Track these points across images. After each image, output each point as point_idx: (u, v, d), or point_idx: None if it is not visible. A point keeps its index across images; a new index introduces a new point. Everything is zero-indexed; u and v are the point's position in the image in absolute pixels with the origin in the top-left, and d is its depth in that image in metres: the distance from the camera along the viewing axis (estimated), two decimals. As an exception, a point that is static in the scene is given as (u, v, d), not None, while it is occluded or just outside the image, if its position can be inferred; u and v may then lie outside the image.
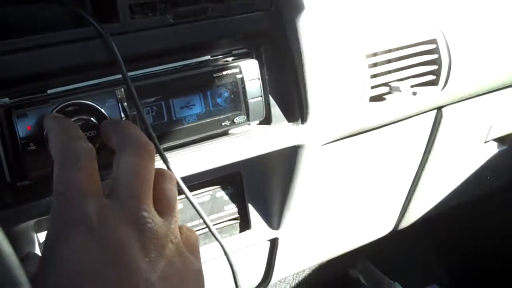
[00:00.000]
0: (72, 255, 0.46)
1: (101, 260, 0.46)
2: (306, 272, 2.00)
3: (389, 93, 1.19)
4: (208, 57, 0.94)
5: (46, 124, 0.71)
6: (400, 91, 1.17)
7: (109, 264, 0.46)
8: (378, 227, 1.55)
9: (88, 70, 0.83)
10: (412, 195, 1.50)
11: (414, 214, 1.57)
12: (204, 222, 0.89)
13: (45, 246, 0.50)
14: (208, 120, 0.91)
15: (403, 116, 1.25)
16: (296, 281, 1.98)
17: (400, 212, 1.54)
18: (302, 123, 1.00)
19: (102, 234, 0.48)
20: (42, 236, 0.92)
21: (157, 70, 0.89)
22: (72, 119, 0.79)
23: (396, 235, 1.64)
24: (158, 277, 0.48)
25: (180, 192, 0.98)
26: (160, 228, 0.53)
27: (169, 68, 0.90)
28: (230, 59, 0.96)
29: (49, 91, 0.81)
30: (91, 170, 0.55)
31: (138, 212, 0.52)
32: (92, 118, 0.81)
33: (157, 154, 0.84)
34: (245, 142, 0.96)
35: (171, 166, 0.83)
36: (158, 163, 0.87)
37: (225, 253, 0.92)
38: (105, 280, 0.45)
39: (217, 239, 0.90)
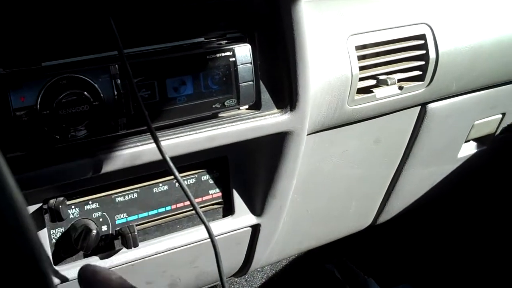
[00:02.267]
0: None
1: None
2: (283, 263, 2.01)
3: (376, 86, 1.20)
4: (202, 39, 0.94)
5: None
6: (387, 85, 1.18)
7: None
8: (357, 220, 1.56)
9: (84, 44, 0.83)
10: (392, 189, 1.52)
11: (393, 209, 1.59)
12: (192, 204, 0.89)
13: None
14: (199, 101, 0.91)
15: (389, 110, 1.26)
16: (273, 272, 1.98)
17: (380, 206, 1.55)
18: (291, 110, 1.01)
19: None
20: (31, 208, 0.92)
21: (151, 49, 0.89)
22: (65, 93, 0.79)
23: (373, 230, 1.65)
24: None
25: (167, 173, 0.99)
26: None
27: (163, 47, 0.90)
28: (223, 42, 0.96)
29: (43, 64, 0.81)
30: None
31: None
32: (85, 93, 0.81)
33: (148, 133, 0.84)
34: (235, 125, 0.96)
35: (161, 145, 0.83)
36: (149, 142, 0.88)
37: (210, 236, 0.93)
38: None
39: (203, 222, 0.91)
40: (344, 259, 2.06)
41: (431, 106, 1.36)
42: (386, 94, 1.20)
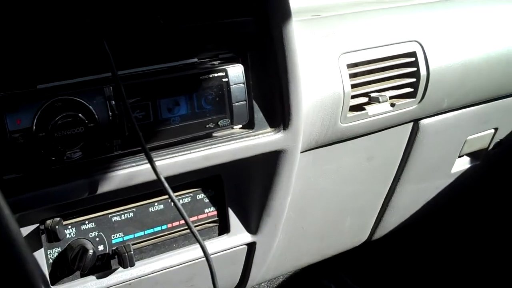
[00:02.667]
0: None
1: None
2: (280, 279, 2.01)
3: (368, 103, 1.21)
4: (195, 59, 0.96)
5: None
6: (379, 102, 1.20)
7: None
8: (352, 236, 1.57)
9: (78, 66, 0.84)
10: (387, 205, 1.53)
11: (388, 224, 1.59)
12: (186, 223, 0.90)
13: None
14: (193, 121, 0.93)
15: (381, 127, 1.27)
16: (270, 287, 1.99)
17: (375, 222, 1.56)
18: (284, 128, 1.02)
19: None
20: (24, 230, 0.92)
21: (145, 70, 0.91)
22: (60, 115, 0.80)
23: (369, 245, 1.66)
24: None
25: (163, 192, 1.00)
26: None
27: (157, 68, 0.92)
28: (216, 62, 0.97)
29: (38, 86, 0.82)
30: None
31: None
32: (80, 115, 0.82)
33: (143, 153, 0.86)
34: (228, 145, 0.97)
35: (155, 165, 0.84)
36: (143, 163, 0.89)
37: (206, 255, 0.94)
38: None
39: (198, 241, 0.92)
40: (341, 274, 2.06)
41: (423, 122, 1.37)
42: (378, 111, 1.22)
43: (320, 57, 1.13)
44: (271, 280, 2.00)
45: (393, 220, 1.60)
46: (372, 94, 1.21)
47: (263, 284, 1.98)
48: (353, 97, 1.18)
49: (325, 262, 1.61)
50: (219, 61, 0.98)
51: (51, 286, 0.97)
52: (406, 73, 1.26)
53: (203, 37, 0.94)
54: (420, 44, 1.27)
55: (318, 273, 2.05)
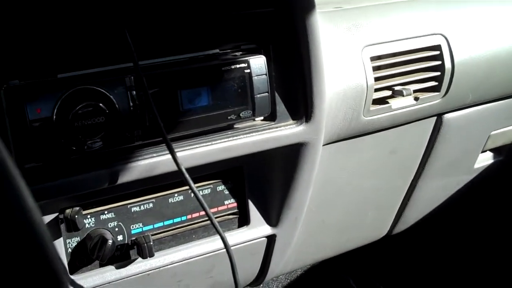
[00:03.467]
0: None
1: None
2: (299, 272, 2.01)
3: (391, 96, 1.20)
4: (217, 50, 0.95)
5: None
6: (403, 96, 1.18)
7: None
8: (372, 231, 1.56)
9: (99, 56, 0.84)
10: (408, 200, 1.51)
11: (409, 219, 1.58)
12: (207, 214, 0.89)
13: None
14: (214, 113, 0.92)
15: (404, 121, 1.26)
16: (288, 281, 1.98)
17: (395, 217, 1.55)
18: (306, 121, 1.01)
19: None
20: (47, 218, 0.93)
21: (167, 61, 0.90)
22: (81, 105, 0.80)
23: (390, 240, 1.65)
24: None
25: (183, 183, 1.00)
26: None
27: (178, 59, 0.91)
28: (238, 53, 0.97)
29: (59, 76, 0.82)
30: None
31: None
32: (100, 104, 0.82)
33: (163, 144, 0.85)
34: (250, 137, 0.97)
35: (176, 156, 0.83)
36: (164, 153, 0.89)
37: (226, 247, 0.93)
38: None
39: (219, 233, 0.91)
40: (360, 268, 2.05)
41: (447, 116, 1.36)
42: (401, 105, 1.20)
43: (343, 49, 1.12)
44: (289, 273, 2.00)
45: (413, 215, 1.58)
46: (396, 88, 1.20)
47: (281, 276, 1.98)
48: (376, 90, 1.16)
49: (344, 256, 1.60)
50: (241, 52, 0.97)
51: (70, 275, 0.97)
52: (430, 66, 1.24)
53: (226, 27, 0.94)
54: (445, 37, 1.25)
55: (337, 267, 2.04)
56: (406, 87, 1.20)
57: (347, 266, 2.06)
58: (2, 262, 0.33)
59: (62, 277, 0.38)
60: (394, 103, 1.19)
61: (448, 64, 1.24)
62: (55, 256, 0.37)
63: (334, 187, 1.31)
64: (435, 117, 1.35)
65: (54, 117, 0.79)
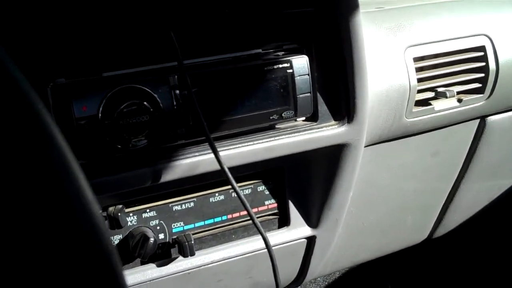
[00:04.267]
0: None
1: None
2: (336, 275, 1.99)
3: (434, 98, 1.18)
4: (260, 50, 0.95)
5: None
6: (446, 97, 1.17)
7: None
8: (413, 234, 1.54)
9: (144, 55, 0.85)
10: (449, 203, 1.49)
11: (450, 223, 1.56)
12: (249, 214, 0.90)
13: None
14: (257, 112, 0.92)
15: (447, 123, 1.24)
16: (326, 283, 1.97)
17: (436, 220, 1.53)
18: (348, 122, 1.00)
19: None
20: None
21: (210, 60, 0.90)
22: (126, 103, 0.81)
23: (430, 243, 1.62)
24: None
25: (223, 183, 1.00)
26: None
27: (222, 58, 0.91)
28: (281, 53, 0.96)
29: (104, 74, 0.83)
30: None
31: None
32: (145, 103, 0.82)
33: (206, 143, 0.85)
34: (292, 137, 0.96)
35: (219, 156, 0.84)
36: (207, 152, 0.89)
37: (268, 248, 0.93)
38: None
39: (261, 233, 0.91)
40: (399, 272, 2.03)
41: (491, 119, 1.33)
42: (444, 106, 1.19)
43: (385, 50, 1.11)
44: (327, 275, 1.99)
45: (455, 218, 1.56)
46: (439, 89, 1.18)
47: (319, 279, 1.97)
48: (419, 91, 1.15)
49: (383, 259, 1.58)
50: (283, 52, 0.97)
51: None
52: (474, 67, 1.22)
53: (268, 27, 0.94)
54: (490, 38, 1.23)
55: (375, 270, 2.02)
56: (450, 88, 1.18)
57: (386, 270, 2.04)
58: (71, 255, 0.34)
59: (121, 270, 0.38)
60: (437, 104, 1.18)
61: (492, 65, 1.22)
62: (114, 249, 0.38)
63: (375, 189, 1.29)
64: (479, 119, 1.33)
65: (100, 115, 0.80)
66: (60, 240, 0.33)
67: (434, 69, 1.19)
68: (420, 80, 1.15)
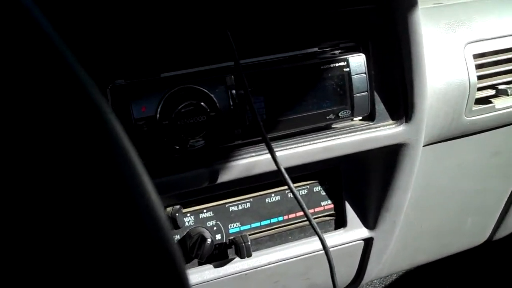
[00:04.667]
0: None
1: None
2: (393, 277, 1.96)
3: (495, 96, 1.15)
4: (316, 49, 0.94)
5: None
6: (507, 95, 1.13)
7: None
8: (472, 236, 1.50)
9: (200, 55, 0.85)
10: (510, 203, 1.45)
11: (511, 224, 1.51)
12: (306, 215, 0.89)
13: None
14: (313, 112, 0.91)
15: (509, 121, 1.21)
16: (383, 285, 1.94)
17: (497, 222, 1.49)
18: (406, 121, 0.98)
19: None
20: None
21: (266, 60, 0.90)
22: (183, 104, 0.81)
23: (491, 246, 1.58)
24: None
25: (279, 183, 0.99)
26: None
27: (278, 57, 0.91)
28: (337, 52, 0.95)
29: (162, 75, 0.83)
30: None
31: None
32: (202, 103, 0.82)
33: (263, 143, 0.85)
34: (349, 137, 0.95)
35: (276, 156, 0.83)
36: (263, 153, 0.89)
37: (325, 249, 0.92)
38: None
39: (318, 234, 0.90)
40: (458, 276, 1.99)
41: (554, 116, 1.29)
42: (506, 104, 1.15)
43: (444, 47, 1.09)
44: (383, 278, 1.96)
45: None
46: (500, 86, 1.15)
47: (375, 281, 1.94)
48: (479, 89, 1.12)
49: (442, 262, 1.55)
50: (339, 51, 0.96)
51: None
52: (537, 64, 1.19)
53: (325, 25, 0.93)
54: (554, 33, 1.19)
55: (433, 272, 1.98)
56: (511, 86, 1.15)
57: (445, 273, 2.00)
58: (136, 256, 0.34)
59: (185, 271, 0.38)
60: (498, 102, 1.15)
61: (556, 61, 1.18)
62: (177, 250, 0.37)
63: (433, 190, 1.27)
64: (542, 117, 1.29)
65: (158, 115, 0.80)
66: (126, 241, 0.33)
67: (494, 66, 1.16)
68: (480, 78, 1.12)
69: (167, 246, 0.35)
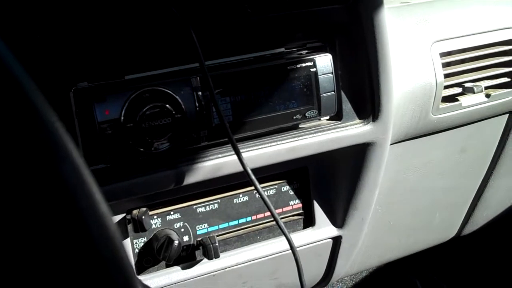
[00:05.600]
0: None
1: None
2: (364, 274, 1.97)
3: (462, 94, 1.16)
4: (283, 49, 0.93)
5: None
6: (474, 93, 1.14)
7: None
8: (441, 232, 1.52)
9: (165, 57, 0.84)
10: (478, 200, 1.46)
11: (479, 220, 1.53)
12: (273, 215, 0.88)
13: None
14: (280, 112, 0.91)
15: (475, 119, 1.22)
16: (353, 282, 1.95)
17: (465, 217, 1.50)
18: (373, 120, 0.98)
19: None
20: (114, 218, 0.93)
21: (232, 61, 0.89)
22: (148, 106, 0.80)
23: (458, 241, 1.60)
24: None
25: (247, 184, 0.99)
26: None
27: (243, 58, 0.90)
28: (304, 52, 0.95)
29: (126, 77, 0.82)
30: None
31: None
32: (167, 105, 0.81)
33: (229, 145, 0.84)
34: (316, 137, 0.95)
35: (242, 157, 0.82)
36: (230, 154, 0.88)
37: (292, 248, 0.92)
38: None
39: (284, 234, 0.90)
40: (427, 270, 2.00)
41: (520, 113, 1.30)
42: (472, 102, 1.16)
43: (411, 45, 1.09)
44: (354, 275, 1.97)
45: (483, 215, 1.53)
46: (466, 84, 1.16)
47: (346, 278, 1.95)
48: (445, 87, 1.13)
49: (411, 257, 1.56)
50: (306, 51, 0.96)
51: (137, 276, 0.97)
52: (502, 62, 1.19)
53: (291, 25, 0.92)
54: (518, 31, 1.20)
55: (403, 268, 2.00)
56: (477, 83, 1.16)
57: (414, 268, 2.01)
58: (78, 265, 0.33)
59: (134, 280, 0.37)
60: (465, 100, 1.15)
61: (521, 59, 1.19)
62: (127, 259, 0.37)
63: (401, 188, 1.27)
64: (507, 115, 1.31)
65: (122, 118, 0.79)
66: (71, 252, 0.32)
67: (461, 64, 1.17)
68: (447, 76, 1.13)
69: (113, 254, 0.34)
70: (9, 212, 0.30)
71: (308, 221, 1.11)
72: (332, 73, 0.94)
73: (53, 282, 0.33)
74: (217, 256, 0.97)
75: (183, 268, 1.00)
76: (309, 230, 1.11)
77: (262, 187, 1.03)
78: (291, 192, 1.07)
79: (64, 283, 0.33)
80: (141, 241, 0.96)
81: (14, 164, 0.30)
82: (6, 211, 0.30)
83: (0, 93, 0.29)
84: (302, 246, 1.09)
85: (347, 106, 0.99)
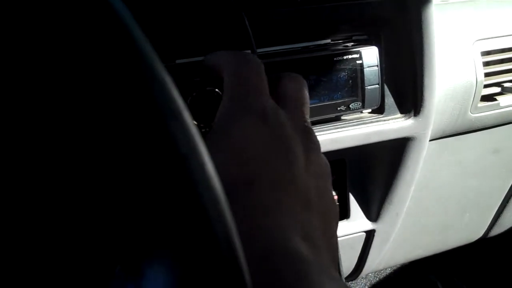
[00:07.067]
0: (243, 135, 0.46)
1: (270, 148, 0.45)
2: (387, 271, 1.98)
3: (500, 93, 1.16)
4: (329, 40, 0.94)
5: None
6: (512, 93, 1.14)
7: (277, 153, 0.45)
8: (468, 232, 1.52)
9: (216, 43, 0.85)
10: (507, 202, 1.46)
11: (507, 222, 1.53)
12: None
13: (216, 123, 0.47)
14: (325, 103, 0.91)
15: (511, 119, 1.22)
16: (377, 279, 1.95)
17: (493, 219, 1.50)
18: (415, 115, 0.99)
19: (274, 127, 0.47)
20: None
21: (280, 50, 0.90)
22: (197, 91, 0.81)
23: (483, 243, 1.60)
24: (314, 187, 0.47)
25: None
26: (319, 146, 0.53)
27: (292, 48, 0.91)
28: (350, 44, 0.95)
29: (177, 61, 0.83)
30: (265, 81, 0.54)
31: (304, 123, 0.52)
32: (216, 90, 0.82)
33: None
34: (358, 129, 0.95)
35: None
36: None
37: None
38: (270, 166, 0.44)
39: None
40: (449, 271, 2.00)
41: (556, 116, 1.30)
42: (510, 102, 1.16)
43: (454, 42, 1.09)
44: (377, 272, 1.97)
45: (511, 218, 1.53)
46: (505, 84, 1.16)
47: (370, 274, 1.96)
48: (485, 86, 1.13)
49: (433, 258, 1.56)
50: (352, 43, 0.96)
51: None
52: (543, 62, 1.19)
53: (339, 17, 0.92)
54: (560, 32, 1.20)
55: (426, 268, 2.00)
56: (516, 84, 1.16)
57: (436, 268, 2.01)
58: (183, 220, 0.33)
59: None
60: (503, 100, 1.15)
61: (562, 60, 1.19)
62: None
63: (433, 185, 1.28)
64: (546, 116, 1.30)
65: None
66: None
67: (501, 63, 1.17)
68: (486, 75, 1.13)
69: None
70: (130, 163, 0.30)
71: (343, 213, 1.11)
72: (377, 66, 0.94)
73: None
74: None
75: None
76: (343, 222, 1.11)
77: (300, 178, 1.03)
78: (327, 184, 1.07)
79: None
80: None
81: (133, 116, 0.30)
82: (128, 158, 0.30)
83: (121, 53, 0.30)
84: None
85: (389, 100, 0.99)
